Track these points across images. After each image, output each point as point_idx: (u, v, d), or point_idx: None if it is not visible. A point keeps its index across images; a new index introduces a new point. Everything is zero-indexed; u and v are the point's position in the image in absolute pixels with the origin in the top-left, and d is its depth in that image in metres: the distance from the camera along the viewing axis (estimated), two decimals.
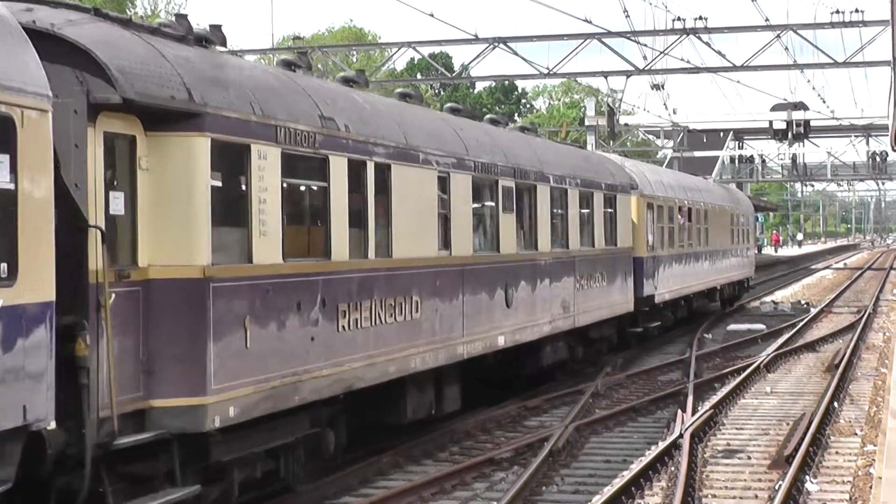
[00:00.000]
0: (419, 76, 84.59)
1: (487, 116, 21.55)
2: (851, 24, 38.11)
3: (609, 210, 24.01)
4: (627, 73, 42.77)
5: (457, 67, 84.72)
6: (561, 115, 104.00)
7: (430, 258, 15.29)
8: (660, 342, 29.62)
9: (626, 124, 71.12)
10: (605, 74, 43.92)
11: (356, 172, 13.51)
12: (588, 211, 22.55)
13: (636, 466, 14.26)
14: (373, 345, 13.54)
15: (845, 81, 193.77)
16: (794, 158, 78.60)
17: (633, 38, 40.85)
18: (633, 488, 13.36)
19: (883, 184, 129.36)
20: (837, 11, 38.21)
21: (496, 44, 40.45)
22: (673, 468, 14.28)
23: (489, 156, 17.55)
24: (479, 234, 17.34)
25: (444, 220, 15.81)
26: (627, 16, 42.07)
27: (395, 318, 14.13)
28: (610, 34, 40.09)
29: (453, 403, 16.65)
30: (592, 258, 22.52)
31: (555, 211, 20.55)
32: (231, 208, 11.28)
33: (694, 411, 17.83)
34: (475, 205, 17.01)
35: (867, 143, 77.13)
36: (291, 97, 12.59)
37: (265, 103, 11.77)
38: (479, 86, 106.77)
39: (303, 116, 12.42)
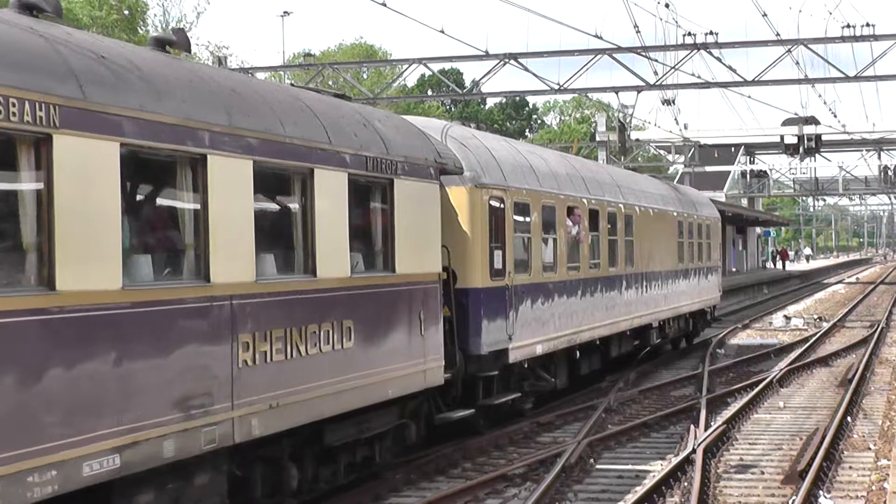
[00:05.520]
0: (430, 92, 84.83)
1: None
2: (862, 38, 38.06)
3: (378, 205, 13.60)
4: (638, 89, 42.78)
5: (468, 83, 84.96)
6: (572, 130, 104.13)
7: None
8: (672, 357, 29.57)
9: (637, 139, 71.29)
10: (616, 90, 43.92)
11: None
12: (301, 204, 11.86)
13: (649, 482, 14.23)
14: None
15: (856, 95, 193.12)
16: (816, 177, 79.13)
17: (643, 54, 40.88)
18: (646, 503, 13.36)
19: (895, 197, 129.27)
20: (848, 26, 38.18)
21: (507, 60, 40.49)
22: (686, 483, 14.24)
23: None
24: None
25: None
26: (638, 31, 42.00)
27: None
28: (620, 49, 40.11)
29: None
30: (306, 299, 11.73)
31: (153, 202, 10.35)
32: None
33: (707, 426, 17.79)
34: None
35: (879, 157, 77.27)
36: None
37: None
38: (490, 102, 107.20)
39: None
